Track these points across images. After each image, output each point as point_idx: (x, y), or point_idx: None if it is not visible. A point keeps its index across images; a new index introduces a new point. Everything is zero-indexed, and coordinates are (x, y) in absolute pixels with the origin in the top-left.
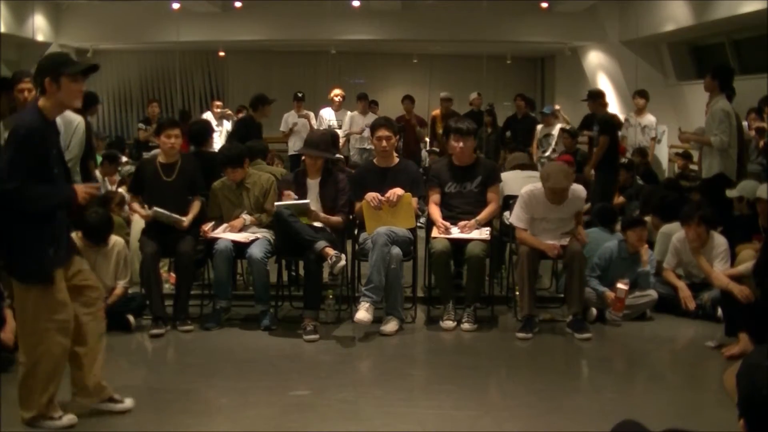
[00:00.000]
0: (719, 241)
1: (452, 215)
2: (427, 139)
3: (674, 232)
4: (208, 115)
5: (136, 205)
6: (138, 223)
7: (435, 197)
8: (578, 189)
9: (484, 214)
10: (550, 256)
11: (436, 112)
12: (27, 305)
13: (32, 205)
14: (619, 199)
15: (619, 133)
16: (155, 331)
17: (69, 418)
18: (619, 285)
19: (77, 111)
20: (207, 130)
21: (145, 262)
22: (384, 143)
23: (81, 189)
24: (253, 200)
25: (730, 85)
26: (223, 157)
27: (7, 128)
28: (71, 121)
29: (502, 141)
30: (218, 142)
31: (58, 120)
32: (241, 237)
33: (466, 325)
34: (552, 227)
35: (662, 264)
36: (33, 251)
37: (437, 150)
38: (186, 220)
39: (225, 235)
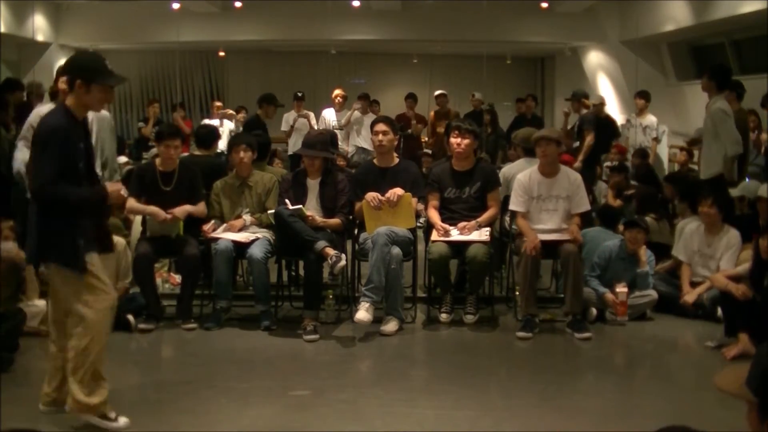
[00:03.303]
0: (732, 233)
1: (451, 218)
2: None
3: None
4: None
5: (135, 205)
6: (138, 224)
7: (434, 202)
8: (571, 171)
9: (484, 217)
10: (528, 250)
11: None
12: (78, 288)
13: (63, 202)
14: (616, 202)
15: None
16: (143, 326)
17: (125, 421)
18: (619, 289)
19: None
20: (213, 134)
21: (137, 262)
22: (381, 137)
23: (111, 188)
24: (255, 199)
25: (730, 84)
26: (237, 138)
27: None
28: (103, 118)
29: (508, 140)
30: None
31: (90, 116)
32: (242, 237)
33: (468, 317)
34: (551, 207)
35: (678, 259)
36: (65, 240)
37: (430, 152)
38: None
39: (225, 235)
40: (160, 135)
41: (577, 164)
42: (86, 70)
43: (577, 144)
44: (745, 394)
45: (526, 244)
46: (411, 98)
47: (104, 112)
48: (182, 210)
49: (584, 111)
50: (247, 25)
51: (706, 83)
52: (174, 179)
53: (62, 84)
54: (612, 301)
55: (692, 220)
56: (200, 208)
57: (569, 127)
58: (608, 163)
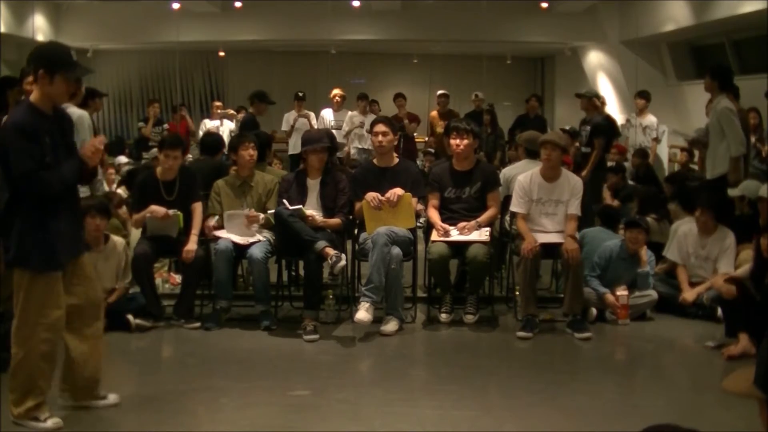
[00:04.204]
0: (726, 234)
1: (451, 218)
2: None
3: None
4: (212, 124)
5: (139, 215)
6: None
7: (434, 201)
8: (572, 175)
9: (484, 217)
10: (526, 253)
11: (434, 112)
12: (28, 297)
13: (51, 188)
14: (614, 203)
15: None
16: (140, 321)
17: (54, 422)
18: (619, 292)
19: (79, 106)
20: (219, 143)
21: (136, 262)
22: (380, 138)
23: (85, 148)
24: (256, 198)
25: (731, 84)
26: (243, 136)
27: None
28: (79, 116)
29: (511, 139)
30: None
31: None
32: (242, 240)
33: (468, 317)
34: (550, 211)
35: (672, 261)
36: (46, 241)
37: (432, 150)
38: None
39: (226, 235)
40: (162, 144)
41: (585, 173)
42: (49, 60)
43: (587, 150)
44: (755, 393)
45: (524, 247)
46: (401, 98)
47: (79, 110)
48: (192, 241)
49: (590, 111)
50: (247, 25)
51: (708, 83)
52: (176, 188)
53: (27, 85)
54: (612, 304)
55: (685, 221)
56: (198, 213)
57: (568, 127)
58: (610, 164)
